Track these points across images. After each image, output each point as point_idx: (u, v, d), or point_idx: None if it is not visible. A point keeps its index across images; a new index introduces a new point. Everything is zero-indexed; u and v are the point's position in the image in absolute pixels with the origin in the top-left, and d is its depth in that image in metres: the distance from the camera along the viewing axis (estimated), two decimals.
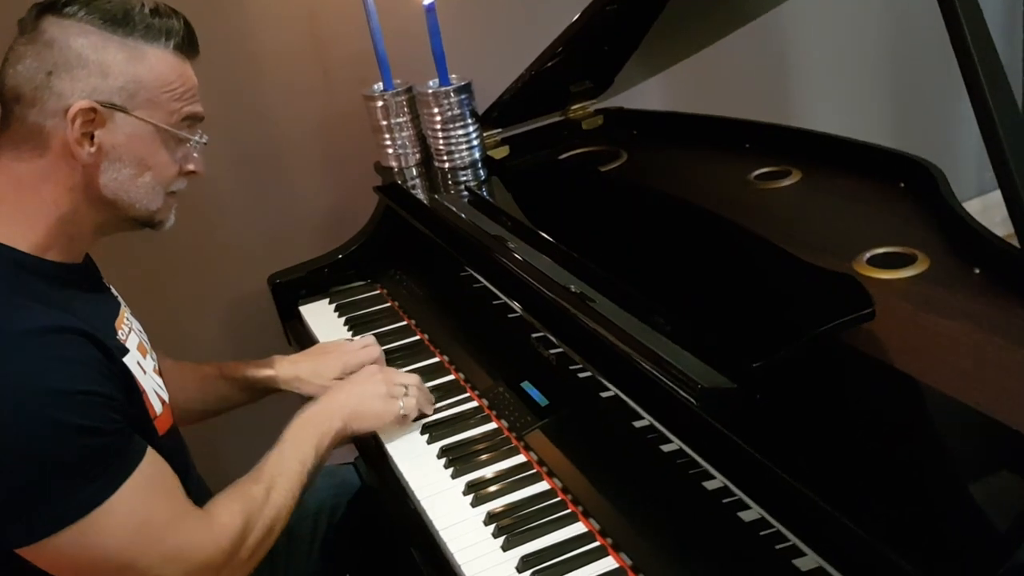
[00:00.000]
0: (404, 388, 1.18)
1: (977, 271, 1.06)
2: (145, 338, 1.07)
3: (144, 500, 0.89)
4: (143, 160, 0.97)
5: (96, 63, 0.92)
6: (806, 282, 1.02)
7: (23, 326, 0.85)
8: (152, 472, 0.91)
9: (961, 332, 0.96)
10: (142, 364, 1.00)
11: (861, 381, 0.91)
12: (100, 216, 0.99)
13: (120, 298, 1.09)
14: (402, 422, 1.19)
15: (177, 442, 1.06)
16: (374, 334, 1.45)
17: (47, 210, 0.94)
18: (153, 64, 0.95)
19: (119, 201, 0.98)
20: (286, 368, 1.32)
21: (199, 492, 1.03)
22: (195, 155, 1.03)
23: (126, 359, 0.96)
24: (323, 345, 1.39)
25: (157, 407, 1.00)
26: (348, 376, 1.28)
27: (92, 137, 0.93)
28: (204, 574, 0.93)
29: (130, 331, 1.02)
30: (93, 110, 0.92)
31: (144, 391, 0.97)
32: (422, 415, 1.21)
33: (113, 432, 0.87)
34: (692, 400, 0.88)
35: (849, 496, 0.74)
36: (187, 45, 0.99)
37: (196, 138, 1.02)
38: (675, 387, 0.90)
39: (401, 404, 1.17)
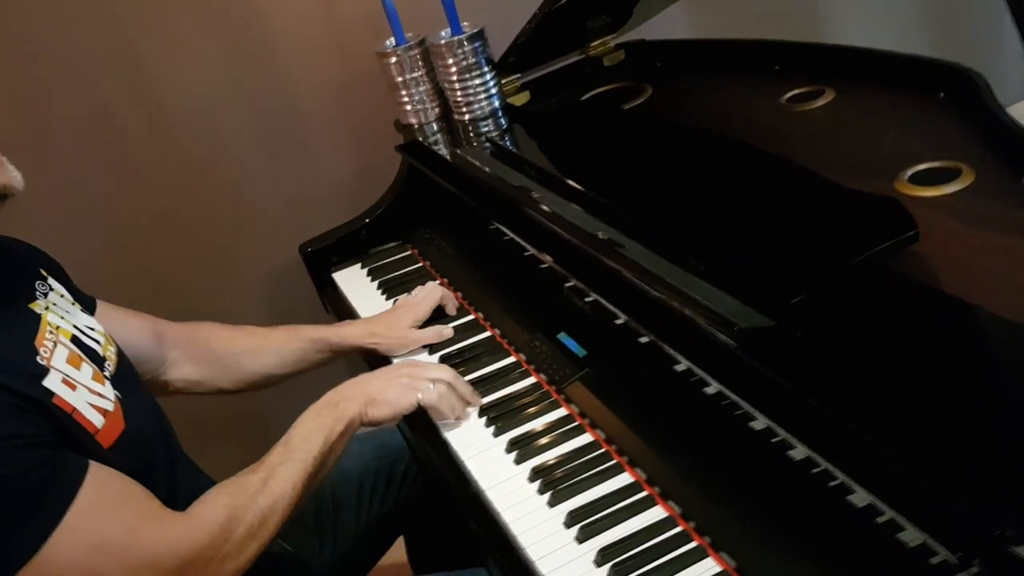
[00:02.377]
0: (431, 383, 1.13)
1: None
2: (98, 343, 1.01)
3: (94, 521, 0.84)
4: None
5: None
6: (843, 208, 0.98)
7: None
8: (98, 490, 0.86)
9: (1014, 246, 0.91)
10: (71, 378, 0.91)
11: (909, 307, 0.87)
12: None
13: (45, 308, 0.99)
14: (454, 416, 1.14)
15: (134, 447, 0.96)
16: (407, 296, 1.44)
17: None
18: None
19: None
20: (361, 326, 1.33)
21: (192, 485, 0.97)
22: None
23: (46, 381, 0.87)
24: (393, 306, 1.39)
25: (96, 421, 0.91)
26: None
27: None
28: (186, 573, 0.90)
29: (55, 345, 0.93)
30: None
31: (74, 409, 0.89)
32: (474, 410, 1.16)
33: (33, 469, 0.81)
34: (730, 341, 0.84)
35: (899, 432, 0.71)
36: None
37: None
38: (711, 329, 0.87)
39: (420, 396, 1.12)
